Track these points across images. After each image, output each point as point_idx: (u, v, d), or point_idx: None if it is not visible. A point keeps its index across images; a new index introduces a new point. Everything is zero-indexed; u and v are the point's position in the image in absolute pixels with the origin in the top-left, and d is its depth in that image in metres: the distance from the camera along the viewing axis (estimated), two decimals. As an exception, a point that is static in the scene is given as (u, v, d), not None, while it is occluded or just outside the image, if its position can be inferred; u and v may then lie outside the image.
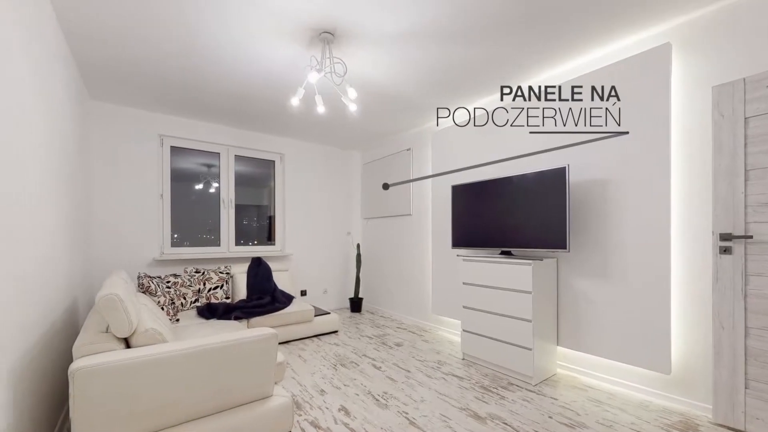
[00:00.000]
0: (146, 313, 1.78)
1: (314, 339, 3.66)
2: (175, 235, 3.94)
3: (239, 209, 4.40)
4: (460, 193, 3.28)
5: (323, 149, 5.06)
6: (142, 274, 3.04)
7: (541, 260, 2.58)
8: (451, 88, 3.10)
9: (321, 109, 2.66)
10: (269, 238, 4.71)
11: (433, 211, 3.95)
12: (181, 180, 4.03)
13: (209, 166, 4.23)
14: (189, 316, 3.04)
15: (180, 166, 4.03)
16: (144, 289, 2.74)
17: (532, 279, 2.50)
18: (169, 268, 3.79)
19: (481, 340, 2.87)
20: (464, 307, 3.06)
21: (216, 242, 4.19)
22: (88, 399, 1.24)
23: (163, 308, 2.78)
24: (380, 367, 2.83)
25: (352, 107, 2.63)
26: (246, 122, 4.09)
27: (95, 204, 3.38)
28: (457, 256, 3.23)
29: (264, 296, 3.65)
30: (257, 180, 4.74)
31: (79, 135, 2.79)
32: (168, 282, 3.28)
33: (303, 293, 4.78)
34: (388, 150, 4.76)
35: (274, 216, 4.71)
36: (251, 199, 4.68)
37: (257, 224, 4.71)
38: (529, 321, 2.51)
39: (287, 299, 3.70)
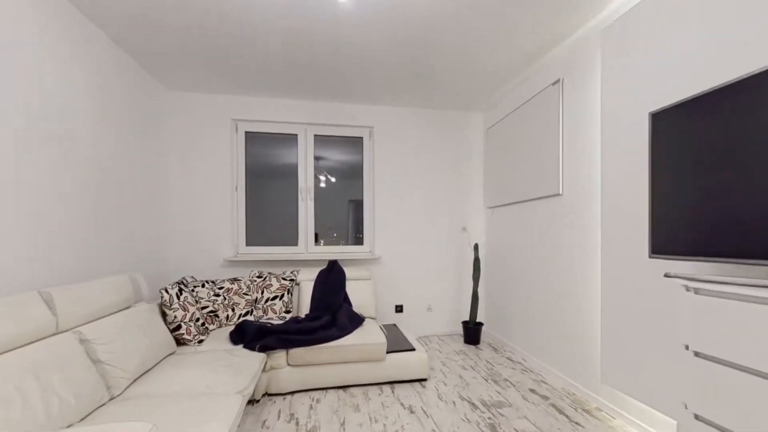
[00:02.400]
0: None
1: (385, 388, 2.41)
2: (252, 234, 3.48)
3: (324, 201, 3.62)
4: (679, 126, 1.35)
5: (426, 115, 3.73)
6: (186, 279, 2.56)
7: None
8: None
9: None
10: (358, 237, 3.75)
11: (603, 185, 2.02)
12: (258, 172, 3.55)
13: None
14: (221, 337, 2.34)
15: (257, 155, 3.56)
16: (163, 302, 2.18)
17: None
18: (243, 270, 3.33)
19: None
20: (697, 417, 1.17)
21: (294, 241, 3.53)
22: None
23: (181, 325, 2.16)
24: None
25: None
26: (325, 91, 3.23)
27: (172, 203, 3.19)
28: (667, 276, 1.32)
29: (324, 314, 2.67)
30: (345, 166, 3.87)
31: (153, 130, 2.76)
32: (221, 287, 2.73)
33: (398, 309, 3.60)
34: (524, 93, 3.00)
35: (362, 208, 3.72)
36: (337, 188, 3.84)
37: (349, 219, 3.84)
38: None
39: (353, 322, 2.60)
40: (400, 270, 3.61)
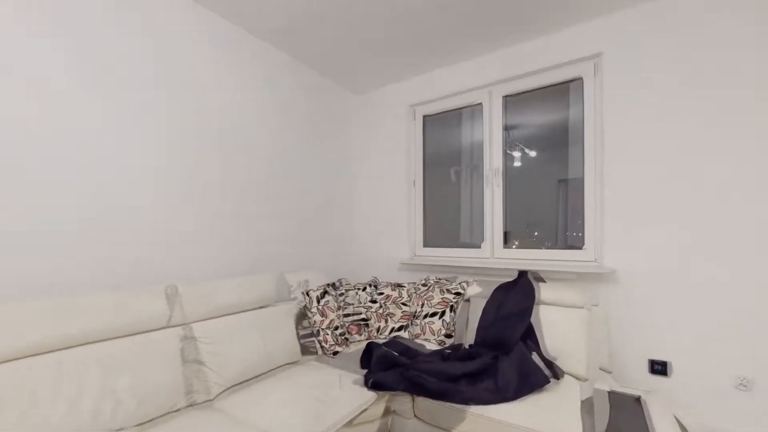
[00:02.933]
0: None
1: None
2: (430, 233, 3.00)
3: (519, 185, 2.61)
4: None
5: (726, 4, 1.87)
6: (341, 282, 2.45)
7: None
8: None
9: None
10: (575, 236, 2.40)
11: None
12: (437, 161, 3.04)
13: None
14: (359, 354, 2.01)
15: (436, 141, 3.05)
16: (305, 304, 2.10)
17: None
18: (420, 275, 2.92)
19: None
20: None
21: (478, 242, 2.73)
22: None
23: (319, 332, 2.01)
24: None
25: None
26: (512, 24, 2.30)
27: (354, 204, 3.28)
28: None
29: (486, 353, 1.76)
30: (549, 130, 2.62)
31: (337, 133, 3.05)
32: (381, 293, 2.45)
33: (658, 369, 1.94)
34: None
35: (581, 192, 2.34)
36: (539, 165, 2.65)
37: (558, 208, 2.57)
38: None
39: (524, 380, 1.52)
40: (666, 298, 1.94)
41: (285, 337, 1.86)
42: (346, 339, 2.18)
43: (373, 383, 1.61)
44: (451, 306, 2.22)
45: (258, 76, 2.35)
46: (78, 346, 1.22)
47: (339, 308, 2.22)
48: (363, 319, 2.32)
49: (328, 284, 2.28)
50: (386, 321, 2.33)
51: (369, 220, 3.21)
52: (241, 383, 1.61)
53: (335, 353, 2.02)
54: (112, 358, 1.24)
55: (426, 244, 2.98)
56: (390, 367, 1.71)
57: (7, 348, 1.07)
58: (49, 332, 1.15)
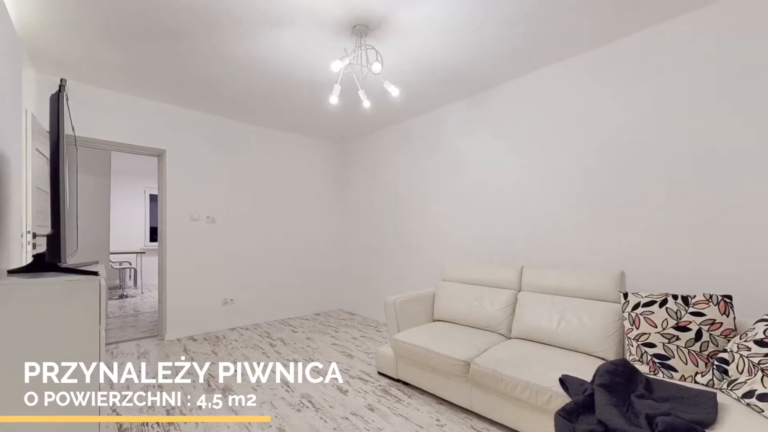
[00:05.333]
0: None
1: None
2: None
3: None
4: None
5: None
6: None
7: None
8: None
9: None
10: None
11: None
12: None
13: None
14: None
15: None
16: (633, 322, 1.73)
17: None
18: None
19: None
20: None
21: None
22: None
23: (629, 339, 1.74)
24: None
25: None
26: None
27: None
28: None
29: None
30: None
31: None
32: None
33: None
34: None
35: None
36: None
37: None
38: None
39: None
40: None
41: (595, 328, 1.99)
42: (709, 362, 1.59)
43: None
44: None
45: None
46: (472, 284, 2.77)
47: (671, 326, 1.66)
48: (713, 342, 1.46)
49: (676, 296, 1.74)
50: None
51: None
52: (527, 338, 2.21)
53: (698, 377, 1.68)
54: (480, 290, 2.65)
55: None
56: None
57: (462, 278, 2.88)
58: (475, 276, 2.81)
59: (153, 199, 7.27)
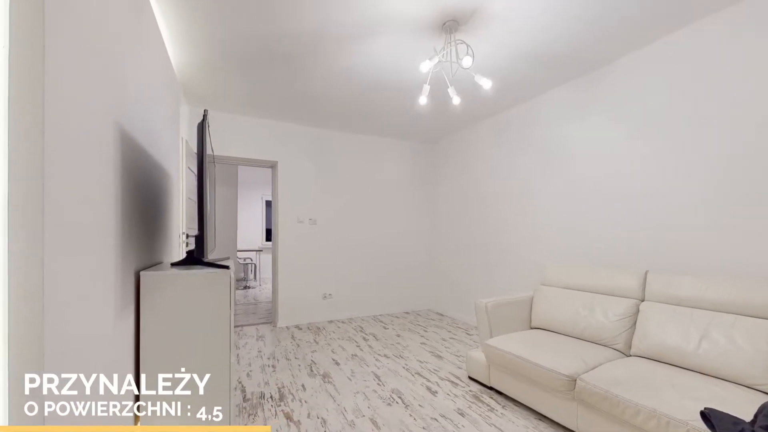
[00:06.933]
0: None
1: None
2: None
3: None
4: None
5: None
6: None
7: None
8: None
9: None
10: None
11: None
12: None
13: None
14: None
15: None
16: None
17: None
18: None
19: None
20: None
21: None
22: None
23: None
24: None
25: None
26: None
27: None
28: None
29: None
30: None
31: None
32: None
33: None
34: None
35: None
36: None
37: None
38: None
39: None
40: None
41: (756, 353, 1.58)
42: None
43: None
44: None
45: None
46: (578, 290, 2.46)
47: None
48: None
49: None
50: None
51: None
52: (653, 358, 1.84)
53: None
54: (590, 297, 2.34)
55: None
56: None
57: (567, 283, 2.60)
58: (582, 281, 2.50)
59: (268, 204, 8.45)
